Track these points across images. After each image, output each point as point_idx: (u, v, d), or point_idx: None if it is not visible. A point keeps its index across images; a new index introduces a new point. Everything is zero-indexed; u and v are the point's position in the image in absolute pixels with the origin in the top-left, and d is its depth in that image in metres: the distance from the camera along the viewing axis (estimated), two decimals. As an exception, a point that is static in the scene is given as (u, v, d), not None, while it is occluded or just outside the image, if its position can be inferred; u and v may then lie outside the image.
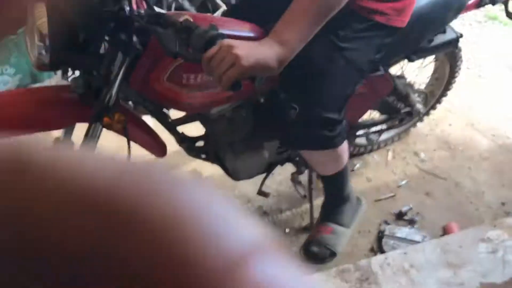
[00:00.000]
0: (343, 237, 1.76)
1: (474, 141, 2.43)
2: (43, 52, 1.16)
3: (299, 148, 1.61)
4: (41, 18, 1.16)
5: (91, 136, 1.25)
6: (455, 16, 1.59)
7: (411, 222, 2.02)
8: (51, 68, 1.23)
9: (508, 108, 2.66)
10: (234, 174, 1.71)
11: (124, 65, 1.18)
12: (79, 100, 1.28)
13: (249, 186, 2.09)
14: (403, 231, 1.95)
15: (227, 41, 1.01)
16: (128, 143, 1.31)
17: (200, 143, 1.71)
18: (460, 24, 3.46)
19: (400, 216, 2.04)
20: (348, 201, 1.77)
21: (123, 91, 1.29)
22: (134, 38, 1.16)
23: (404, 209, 2.05)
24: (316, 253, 1.73)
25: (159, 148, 1.51)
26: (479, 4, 1.72)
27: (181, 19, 1.06)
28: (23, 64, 2.31)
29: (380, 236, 1.95)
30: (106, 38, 1.18)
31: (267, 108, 1.56)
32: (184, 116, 1.67)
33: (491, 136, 2.47)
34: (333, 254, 1.73)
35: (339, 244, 1.75)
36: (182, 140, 1.63)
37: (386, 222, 2.00)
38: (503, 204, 2.12)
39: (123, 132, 1.35)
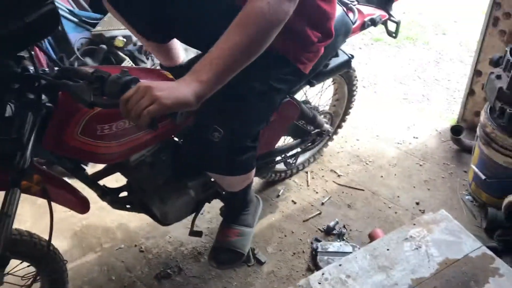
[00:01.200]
0: (249, 237, 1.81)
1: (381, 151, 2.62)
2: None
3: (217, 172, 1.61)
4: None
5: (10, 203, 1.19)
6: (344, 40, 1.74)
7: (340, 236, 2.11)
8: None
9: (404, 117, 2.90)
10: (163, 220, 1.70)
11: (36, 125, 1.15)
12: None
13: (181, 229, 2.08)
14: (334, 245, 2.03)
15: (144, 83, 1.03)
16: (50, 204, 1.27)
17: (124, 194, 1.69)
18: (351, 48, 3.78)
19: (328, 231, 2.13)
20: (251, 203, 1.84)
21: (36, 152, 1.25)
22: (43, 96, 1.15)
23: (331, 224, 2.14)
24: (226, 260, 1.78)
25: (81, 205, 1.48)
26: (362, 27, 1.90)
27: (91, 71, 1.07)
28: None
29: (314, 254, 2.01)
30: (12, 101, 1.15)
31: (188, 143, 1.60)
32: (103, 169, 1.64)
33: (395, 144, 2.67)
34: (242, 256, 1.79)
35: (246, 245, 1.80)
36: (104, 193, 1.60)
37: (317, 240, 2.07)
38: (417, 203, 2.29)
39: (42, 194, 1.31)
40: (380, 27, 2.11)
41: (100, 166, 1.67)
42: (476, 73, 2.56)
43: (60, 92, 1.21)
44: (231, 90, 1.16)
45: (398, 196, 2.33)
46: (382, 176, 2.45)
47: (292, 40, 1.40)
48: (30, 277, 1.51)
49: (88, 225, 2.16)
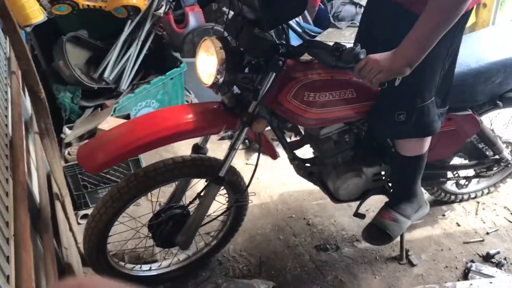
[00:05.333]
0: (402, 225, 1.95)
1: None
2: (218, 75, 1.59)
3: (406, 137, 1.80)
4: (211, 50, 1.61)
5: (237, 139, 1.65)
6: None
7: (498, 265, 2.12)
8: (221, 86, 1.62)
9: None
10: (334, 193, 1.99)
11: (270, 82, 1.58)
12: (228, 112, 1.69)
13: (345, 217, 2.37)
14: (489, 270, 2.06)
15: (373, 56, 1.41)
16: (259, 143, 1.72)
17: (308, 165, 2.04)
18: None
19: (487, 258, 2.16)
20: (415, 197, 1.97)
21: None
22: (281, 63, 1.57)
23: (492, 251, 2.16)
24: (374, 236, 1.96)
25: (274, 153, 1.89)
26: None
27: (330, 44, 1.47)
28: (164, 100, 2.88)
29: (467, 272, 2.07)
30: (261, 62, 1.60)
31: (368, 135, 1.88)
32: (298, 140, 2.03)
33: None
34: (389, 238, 1.94)
35: (397, 230, 1.94)
36: (295, 158, 1.97)
37: (473, 261, 2.12)
38: None
39: (255, 137, 1.75)
40: None
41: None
42: None
43: (287, 60, 1.62)
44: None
45: None
46: (561, 226, 2.35)
47: None
48: (225, 209, 1.96)
49: (271, 192, 2.58)
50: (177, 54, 3.15)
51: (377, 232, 1.94)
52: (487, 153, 2.16)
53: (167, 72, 2.93)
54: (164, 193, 2.33)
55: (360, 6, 3.53)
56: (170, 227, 1.80)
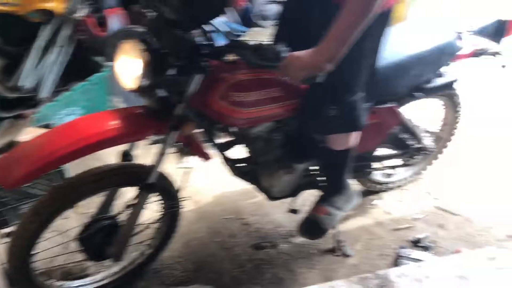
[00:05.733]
0: (335, 218, 2.01)
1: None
2: (141, 79, 1.53)
3: (334, 133, 1.84)
4: (132, 53, 1.56)
5: (167, 144, 1.61)
6: (448, 60, 1.95)
7: (427, 249, 2.23)
8: (146, 90, 1.57)
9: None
10: (268, 191, 2.00)
11: (196, 83, 1.55)
12: (155, 117, 1.64)
13: (281, 214, 2.39)
14: (418, 254, 2.16)
15: (295, 53, 1.43)
16: (189, 147, 1.69)
17: (241, 165, 2.03)
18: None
19: (416, 243, 2.26)
20: (345, 189, 2.03)
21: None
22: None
23: (420, 236, 2.27)
24: (310, 231, 2.01)
25: (205, 155, 1.84)
26: (471, 55, 2.08)
27: (253, 44, 1.47)
28: (89, 107, 2.77)
29: (398, 258, 2.16)
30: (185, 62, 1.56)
31: (297, 132, 1.91)
32: (229, 141, 2.02)
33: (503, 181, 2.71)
34: (324, 232, 2.00)
35: (331, 224, 2.00)
36: (227, 160, 1.96)
37: (403, 247, 2.22)
38: (509, 237, 2.32)
39: (186, 140, 1.72)
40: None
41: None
42: None
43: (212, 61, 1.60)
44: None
45: (491, 228, 2.38)
46: (481, 207, 2.51)
47: None
48: (157, 216, 1.91)
49: (205, 195, 2.55)
50: (100, 58, 3.04)
51: (312, 226, 1.98)
52: (409, 142, 2.26)
53: (89, 77, 2.82)
54: (94, 203, 2.24)
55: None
56: (100, 239, 1.73)
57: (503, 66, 2.21)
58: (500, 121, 3.41)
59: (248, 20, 3.26)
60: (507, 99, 3.70)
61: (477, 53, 2.08)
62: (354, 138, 1.87)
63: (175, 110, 1.60)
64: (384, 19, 1.67)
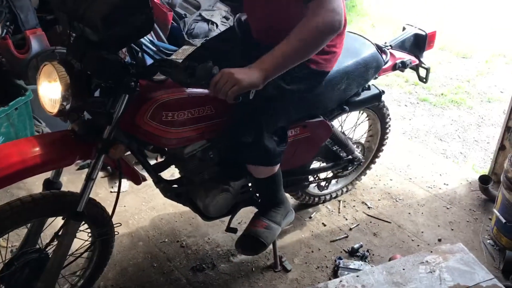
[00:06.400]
0: (274, 232, 2.00)
1: (412, 192, 2.80)
2: (64, 102, 1.46)
3: (250, 163, 1.87)
4: (53, 76, 1.48)
5: (94, 168, 1.54)
6: (374, 74, 2.03)
7: (362, 258, 2.28)
8: (69, 114, 1.50)
9: (439, 166, 3.07)
10: (204, 211, 1.96)
11: (126, 105, 1.50)
12: (81, 141, 1.56)
13: (219, 233, 2.36)
14: (355, 264, 2.20)
15: (227, 70, 1.41)
16: (120, 170, 1.62)
17: (175, 186, 1.98)
18: (397, 105, 4.04)
19: (352, 253, 2.31)
20: (282, 204, 2.04)
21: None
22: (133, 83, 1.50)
23: (355, 246, 2.32)
24: (250, 246, 1.97)
25: (137, 178, 1.80)
26: (394, 68, 2.18)
27: (182, 62, 1.44)
28: (10, 134, 2.60)
29: (336, 269, 2.19)
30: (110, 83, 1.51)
31: (229, 149, 1.90)
32: (161, 162, 1.96)
33: (426, 187, 2.84)
34: (264, 246, 1.96)
35: (270, 238, 1.98)
36: (160, 181, 1.91)
37: (340, 258, 2.25)
38: (439, 240, 2.43)
39: (115, 163, 1.65)
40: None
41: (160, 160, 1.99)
42: (507, 129, 2.74)
43: (139, 81, 1.56)
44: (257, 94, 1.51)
45: (422, 232, 2.48)
46: (409, 213, 2.61)
47: None
48: (87, 245, 1.81)
49: (139, 219, 2.47)
50: (21, 82, 2.87)
51: (251, 241, 1.96)
52: (341, 154, 2.32)
53: (10, 102, 2.66)
54: (19, 236, 2.10)
55: (212, 23, 3.59)
56: (26, 274, 1.62)
57: (424, 80, 2.33)
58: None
59: (176, 38, 3.23)
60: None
61: (400, 66, 2.18)
62: (271, 169, 1.89)
63: (103, 133, 1.54)
64: (319, 78, 1.79)
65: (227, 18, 3.82)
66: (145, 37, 2.74)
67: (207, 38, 3.30)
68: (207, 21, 3.58)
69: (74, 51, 1.48)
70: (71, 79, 1.43)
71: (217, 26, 3.62)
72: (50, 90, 1.50)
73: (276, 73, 1.47)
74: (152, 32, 3.07)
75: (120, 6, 1.36)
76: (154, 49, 2.75)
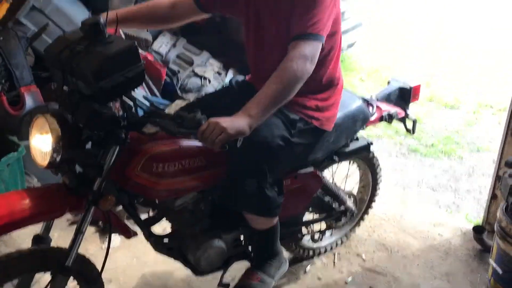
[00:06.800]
0: (268, 285, 1.97)
1: (407, 243, 2.77)
2: (54, 154, 1.47)
3: (248, 211, 1.87)
4: (45, 128, 1.50)
5: (85, 221, 1.53)
6: (362, 126, 2.09)
7: (359, 312, 2.23)
8: (59, 166, 1.51)
9: (432, 217, 3.07)
10: (196, 265, 1.92)
11: (114, 156, 1.51)
12: (71, 193, 1.56)
13: None
14: (352, 318, 2.15)
15: (213, 119, 1.44)
16: (109, 223, 1.61)
17: (166, 240, 1.95)
18: (388, 155, 4.07)
19: (348, 307, 2.26)
20: (277, 256, 2.01)
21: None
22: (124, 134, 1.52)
23: (351, 300, 2.27)
24: None
25: (128, 231, 1.77)
26: (380, 119, 2.23)
27: (171, 112, 1.47)
28: (1, 190, 2.59)
29: (332, 324, 2.13)
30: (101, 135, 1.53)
31: (227, 199, 1.89)
32: (152, 216, 1.95)
33: (421, 238, 2.82)
34: None
35: None
36: (151, 235, 1.88)
37: (336, 313, 2.20)
38: (438, 291, 2.38)
39: (105, 216, 1.63)
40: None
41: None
42: (498, 178, 2.76)
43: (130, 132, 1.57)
44: (259, 144, 1.52)
45: (419, 284, 2.44)
46: (405, 265, 2.58)
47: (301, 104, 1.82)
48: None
49: (131, 275, 2.41)
50: (14, 138, 2.89)
51: None
52: (334, 205, 2.31)
53: (2, 158, 2.65)
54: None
55: (205, 78, 3.67)
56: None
57: (411, 132, 2.37)
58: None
59: (169, 93, 3.29)
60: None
61: (387, 119, 2.23)
62: (271, 221, 1.89)
63: (93, 185, 1.53)
64: (319, 135, 1.87)
65: (219, 73, 3.92)
66: (138, 93, 2.80)
67: (203, 95, 3.38)
68: (199, 76, 3.66)
69: (67, 103, 1.51)
70: (62, 131, 1.45)
71: (209, 81, 3.70)
72: (42, 142, 1.51)
73: (262, 118, 1.51)
74: (145, 87, 3.14)
75: (111, 60, 1.40)
76: (148, 104, 2.80)
